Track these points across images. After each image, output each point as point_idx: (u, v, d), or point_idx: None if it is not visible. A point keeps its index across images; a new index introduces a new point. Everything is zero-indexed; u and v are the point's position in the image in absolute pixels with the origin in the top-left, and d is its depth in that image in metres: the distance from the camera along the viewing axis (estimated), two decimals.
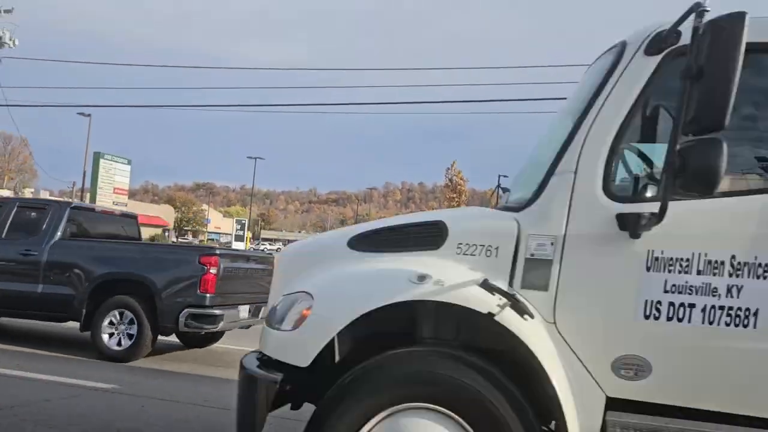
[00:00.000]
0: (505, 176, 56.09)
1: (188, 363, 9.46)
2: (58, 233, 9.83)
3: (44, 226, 9.84)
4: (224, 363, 9.51)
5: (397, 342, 3.26)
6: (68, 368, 8.38)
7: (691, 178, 2.69)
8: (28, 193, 59.39)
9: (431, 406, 2.99)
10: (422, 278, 3.06)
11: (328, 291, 3.36)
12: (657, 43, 3.04)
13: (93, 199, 38.16)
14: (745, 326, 2.80)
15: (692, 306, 2.86)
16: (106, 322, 9.09)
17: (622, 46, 3.19)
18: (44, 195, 60.13)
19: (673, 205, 2.77)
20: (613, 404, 2.93)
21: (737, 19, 2.59)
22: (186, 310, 8.76)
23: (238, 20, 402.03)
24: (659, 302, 2.89)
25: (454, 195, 17.60)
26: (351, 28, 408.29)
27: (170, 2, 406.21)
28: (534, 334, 2.97)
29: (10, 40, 27.99)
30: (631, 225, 2.89)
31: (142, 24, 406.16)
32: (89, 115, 38.24)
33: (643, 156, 3.54)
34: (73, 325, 12.21)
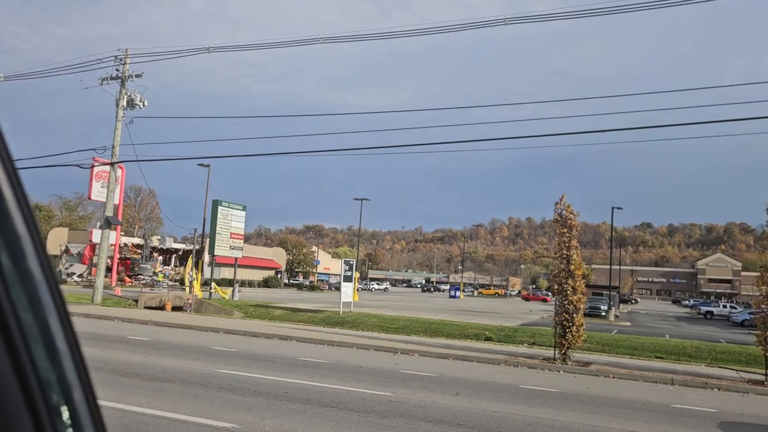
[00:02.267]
0: (619, 208, 53.67)
1: (294, 402, 9.60)
2: None
3: None
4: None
5: None
6: (194, 407, 8.76)
7: None
8: (155, 240, 63.91)
9: None
10: None
11: None
12: None
13: (212, 244, 40.44)
14: None
15: None
16: None
17: None
18: (169, 242, 64.40)
19: None
20: None
21: None
22: None
23: (346, 74, 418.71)
24: None
25: (565, 230, 16.93)
26: (455, 70, 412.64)
27: (282, 60, 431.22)
28: None
29: (141, 101, 30.75)
30: None
31: (258, 81, 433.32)
32: (208, 165, 40.71)
33: None
34: (194, 364, 12.79)
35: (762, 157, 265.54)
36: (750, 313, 46.18)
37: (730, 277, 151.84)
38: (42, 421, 0.87)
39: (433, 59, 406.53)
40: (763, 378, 15.47)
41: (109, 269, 41.91)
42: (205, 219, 41.42)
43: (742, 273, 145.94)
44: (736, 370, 17.77)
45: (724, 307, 64.84)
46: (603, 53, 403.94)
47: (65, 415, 0.89)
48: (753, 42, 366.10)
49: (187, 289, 39.23)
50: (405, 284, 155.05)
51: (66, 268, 54.62)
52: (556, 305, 17.54)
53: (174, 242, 66.38)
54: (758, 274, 16.09)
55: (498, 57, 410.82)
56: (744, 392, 14.31)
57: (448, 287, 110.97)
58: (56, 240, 62.64)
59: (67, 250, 59.03)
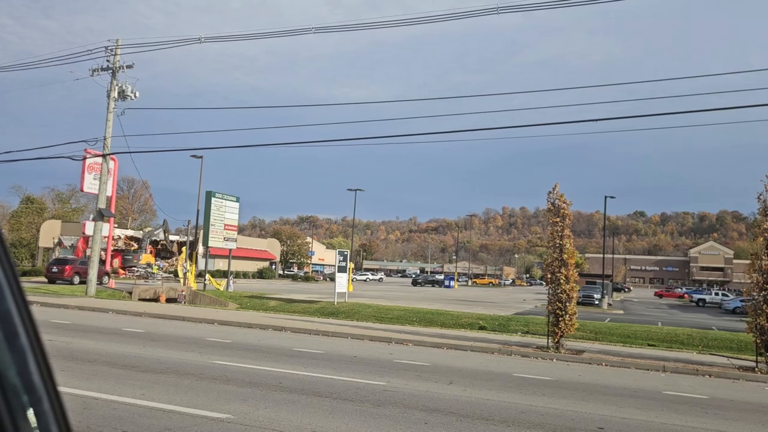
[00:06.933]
0: (612, 197, 53.72)
1: (288, 392, 9.65)
2: None
3: None
4: (324, 393, 9.62)
5: None
6: (189, 398, 8.79)
7: None
8: (159, 234, 63.55)
9: None
10: None
11: None
12: None
13: (206, 235, 40.35)
14: None
15: None
16: None
17: None
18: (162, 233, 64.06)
19: None
20: None
21: None
22: None
23: (336, 65, 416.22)
24: None
25: (558, 219, 16.92)
26: (444, 61, 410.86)
27: (270, 52, 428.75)
28: None
29: (132, 92, 30.57)
30: None
31: (247, 72, 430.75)
32: (201, 156, 40.48)
33: None
34: (189, 356, 12.81)
35: (753, 145, 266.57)
36: (741, 301, 46.54)
37: (722, 265, 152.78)
38: (6, 428, 0.87)
39: (420, 51, 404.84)
40: (753, 365, 15.63)
41: (102, 261, 41.74)
42: (198, 210, 41.27)
43: (734, 261, 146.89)
44: (727, 357, 17.95)
45: (716, 294, 65.33)
46: (590, 44, 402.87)
47: (32, 420, 0.89)
48: (739, 31, 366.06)
49: (181, 280, 39.17)
50: (400, 274, 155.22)
51: None
52: (549, 294, 17.63)
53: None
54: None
55: (485, 48, 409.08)
56: (735, 379, 14.47)
57: (442, 277, 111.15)
58: (49, 232, 62.33)
59: (60, 243, 58.77)
